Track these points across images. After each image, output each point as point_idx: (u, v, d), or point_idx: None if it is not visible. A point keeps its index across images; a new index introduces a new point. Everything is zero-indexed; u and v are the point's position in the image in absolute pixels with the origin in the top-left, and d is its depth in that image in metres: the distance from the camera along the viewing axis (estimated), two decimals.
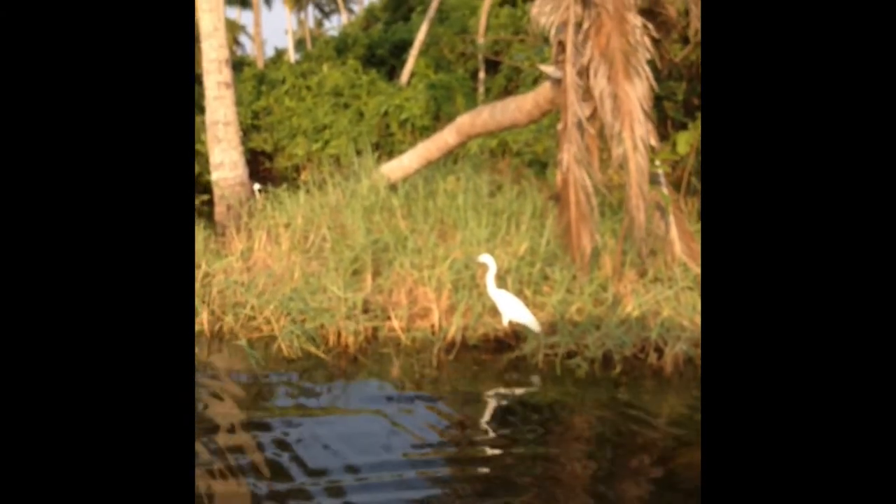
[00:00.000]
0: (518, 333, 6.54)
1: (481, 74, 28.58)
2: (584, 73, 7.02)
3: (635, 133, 6.85)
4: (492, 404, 5.46)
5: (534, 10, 6.84)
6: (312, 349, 6.26)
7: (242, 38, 42.64)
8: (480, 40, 28.62)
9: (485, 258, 6.37)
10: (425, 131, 21.76)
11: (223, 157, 10.29)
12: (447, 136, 8.98)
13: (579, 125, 6.96)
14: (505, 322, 6.31)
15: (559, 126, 7.19)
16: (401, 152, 19.86)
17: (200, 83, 27.00)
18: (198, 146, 15.80)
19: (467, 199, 8.91)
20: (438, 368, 6.03)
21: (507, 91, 26.22)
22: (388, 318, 6.88)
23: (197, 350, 6.37)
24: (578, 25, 6.85)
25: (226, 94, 10.22)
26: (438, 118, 22.54)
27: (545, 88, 7.79)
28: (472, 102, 24.74)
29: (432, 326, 6.80)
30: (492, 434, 4.90)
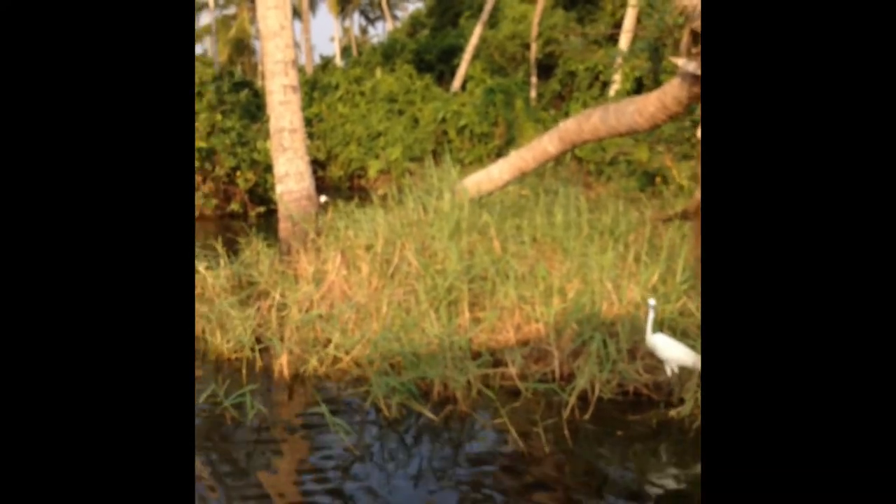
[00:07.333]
0: (660, 385, 5.38)
1: (533, 79, 27.59)
2: None
3: None
4: (653, 493, 4.23)
5: None
6: (415, 406, 5.13)
7: None
8: (533, 44, 27.64)
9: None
10: (483, 138, 20.73)
11: (288, 168, 9.28)
12: (547, 144, 7.84)
13: None
14: (668, 372, 5.18)
15: (698, 132, 6.02)
16: (459, 160, 18.91)
17: (250, 87, 26.12)
18: (255, 156, 14.84)
19: (568, 216, 7.79)
20: (573, 433, 4.85)
21: (561, 96, 25.14)
22: (498, 361, 5.76)
23: (274, 406, 5.27)
24: None
25: (292, 99, 9.21)
26: (496, 124, 21.51)
27: (672, 86, 6.60)
28: (529, 108, 23.69)
29: (552, 373, 5.66)
30: None
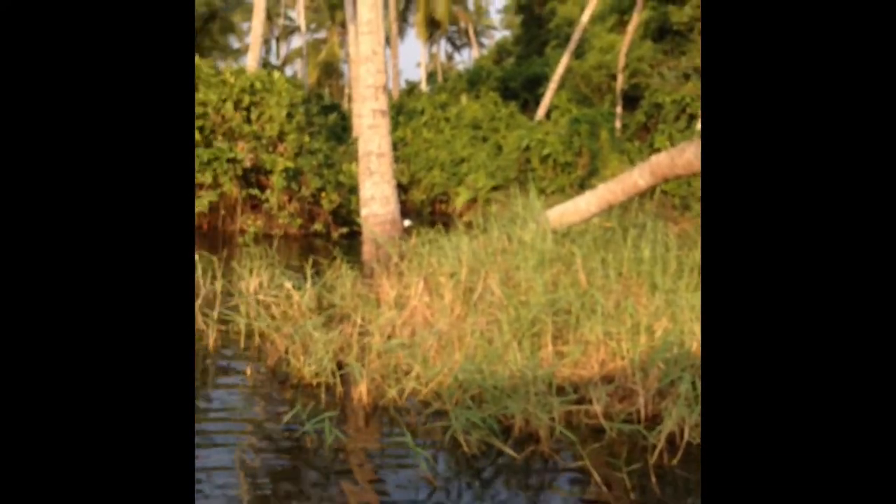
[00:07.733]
0: None
1: (618, 110, 27.33)
2: None
3: None
4: None
5: None
6: (496, 443, 5.02)
7: None
8: (619, 75, 27.45)
9: None
10: (567, 167, 20.57)
11: (374, 192, 9.36)
12: (638, 178, 7.70)
13: None
14: None
15: None
16: (541, 189, 18.78)
17: (338, 110, 26.74)
18: (340, 177, 15.09)
19: (655, 251, 7.59)
20: (660, 479, 4.67)
21: (646, 128, 24.78)
22: (581, 398, 5.61)
23: (352, 433, 5.25)
24: None
25: (381, 123, 9.31)
26: (580, 154, 21.33)
27: None
28: (614, 139, 23.41)
29: (637, 413, 5.49)
30: None
